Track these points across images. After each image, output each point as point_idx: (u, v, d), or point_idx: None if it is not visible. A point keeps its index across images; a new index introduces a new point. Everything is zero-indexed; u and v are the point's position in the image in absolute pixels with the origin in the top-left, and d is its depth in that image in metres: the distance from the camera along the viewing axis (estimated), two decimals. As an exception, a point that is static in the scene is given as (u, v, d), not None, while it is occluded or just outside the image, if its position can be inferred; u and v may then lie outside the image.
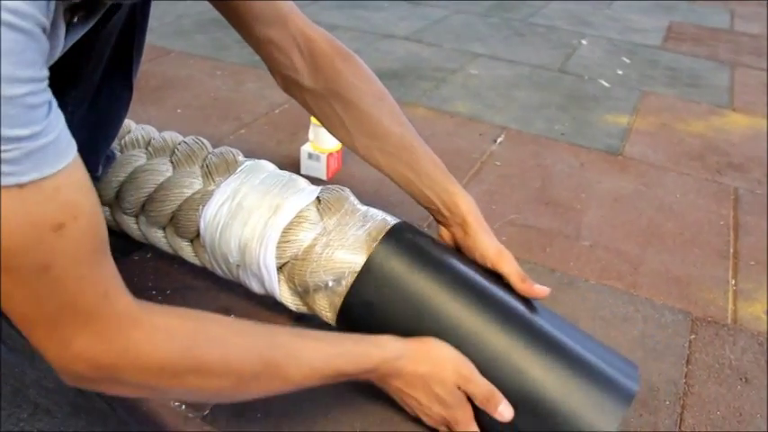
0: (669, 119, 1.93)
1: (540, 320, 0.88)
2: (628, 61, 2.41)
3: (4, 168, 0.46)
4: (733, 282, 1.23)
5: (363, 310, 0.89)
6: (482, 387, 0.80)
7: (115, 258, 1.15)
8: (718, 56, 2.55)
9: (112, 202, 1.12)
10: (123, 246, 1.16)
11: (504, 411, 0.80)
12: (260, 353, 0.67)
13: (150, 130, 1.17)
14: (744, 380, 1.02)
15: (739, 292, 1.21)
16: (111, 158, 1.08)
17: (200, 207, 1.00)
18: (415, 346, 0.80)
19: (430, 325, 0.85)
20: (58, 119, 0.52)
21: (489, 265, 0.91)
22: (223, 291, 1.10)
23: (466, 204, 0.94)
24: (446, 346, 0.81)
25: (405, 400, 0.84)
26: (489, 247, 0.92)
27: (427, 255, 0.91)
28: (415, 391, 0.81)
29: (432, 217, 1.01)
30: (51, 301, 0.53)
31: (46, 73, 0.50)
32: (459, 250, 0.97)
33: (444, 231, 0.99)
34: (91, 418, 0.68)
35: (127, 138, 1.14)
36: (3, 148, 0.45)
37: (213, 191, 1.01)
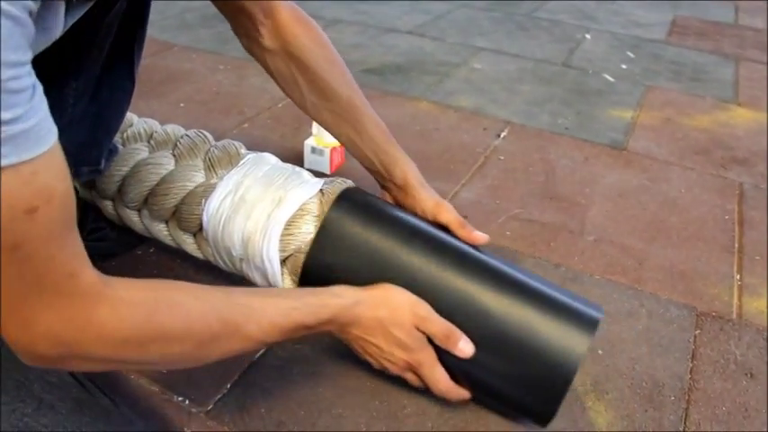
0: (673, 113, 1.92)
1: (496, 263, 0.89)
2: (632, 56, 2.40)
3: None
4: (738, 277, 1.23)
5: (324, 272, 0.89)
6: (439, 325, 0.81)
7: (118, 253, 1.15)
8: (723, 50, 2.53)
9: (115, 195, 1.11)
10: (126, 240, 1.15)
11: (464, 348, 0.81)
12: (219, 314, 0.67)
13: (152, 124, 1.16)
14: (749, 375, 1.01)
15: (744, 287, 1.20)
16: (113, 152, 1.07)
17: (203, 200, 1.00)
18: (372, 293, 0.81)
19: (389, 276, 0.85)
20: (40, 104, 0.52)
21: (430, 218, 0.94)
22: (226, 284, 1.09)
23: (405, 165, 0.98)
24: (402, 291, 0.82)
25: (366, 349, 0.83)
26: (428, 200, 0.95)
27: (378, 212, 0.92)
28: (374, 336, 0.81)
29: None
30: (17, 281, 0.53)
31: (30, 56, 0.51)
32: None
33: (387, 195, 1.03)
34: (94, 414, 0.68)
35: (129, 131, 1.14)
36: None
37: (216, 184, 1.00)
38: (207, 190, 1.00)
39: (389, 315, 0.79)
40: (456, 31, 2.55)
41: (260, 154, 1.05)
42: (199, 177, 1.03)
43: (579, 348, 0.81)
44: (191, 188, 1.02)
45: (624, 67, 2.29)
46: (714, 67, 2.34)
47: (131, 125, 1.16)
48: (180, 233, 1.05)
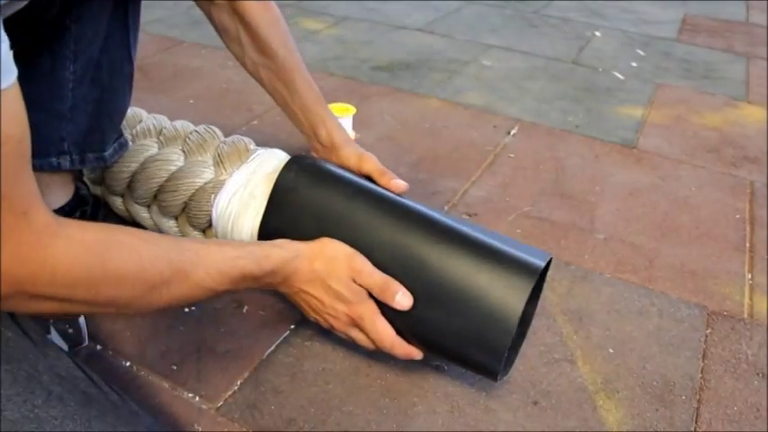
0: (684, 111, 1.91)
1: (439, 217, 0.89)
2: (642, 53, 2.39)
3: None
4: (749, 276, 1.22)
5: (277, 235, 0.90)
6: (375, 277, 0.82)
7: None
8: (734, 48, 2.52)
9: (124, 192, 1.11)
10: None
11: (401, 300, 0.82)
12: (169, 259, 0.68)
13: (162, 120, 1.16)
14: (761, 375, 1.01)
15: (756, 287, 1.19)
16: (123, 146, 1.08)
17: (212, 197, 1.00)
18: (311, 245, 0.83)
19: (333, 233, 0.87)
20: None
21: (356, 171, 0.98)
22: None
23: (330, 124, 1.03)
24: (339, 244, 0.83)
25: (309, 303, 0.84)
26: (351, 155, 1.00)
27: (323, 174, 0.95)
28: (314, 289, 0.82)
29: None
30: None
31: None
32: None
33: (315, 156, 1.06)
34: (103, 408, 0.68)
35: (138, 127, 1.14)
36: None
37: (225, 180, 1.00)
38: (216, 186, 1.01)
39: (325, 267, 0.81)
40: (465, 29, 2.54)
41: (269, 150, 1.05)
42: (208, 173, 1.03)
43: (519, 298, 0.80)
44: (200, 184, 1.02)
45: (634, 64, 2.28)
46: (725, 65, 2.33)
47: (141, 121, 1.16)
48: (189, 229, 1.05)
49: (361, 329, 0.85)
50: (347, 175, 0.96)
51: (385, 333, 0.84)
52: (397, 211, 0.89)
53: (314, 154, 1.07)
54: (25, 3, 0.61)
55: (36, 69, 0.96)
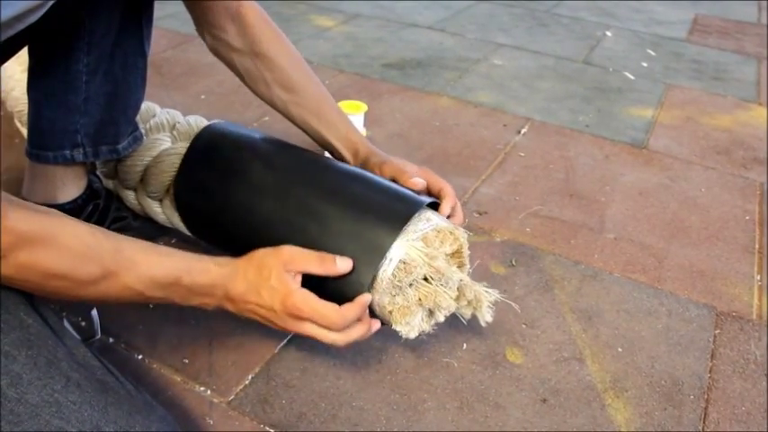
0: (694, 112, 1.91)
1: (327, 177, 0.95)
2: (653, 53, 2.39)
3: None
4: (758, 277, 1.22)
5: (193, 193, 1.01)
6: (309, 255, 0.82)
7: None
8: (745, 49, 2.52)
9: (137, 185, 1.12)
10: (149, 230, 1.16)
11: (341, 265, 0.82)
12: (102, 261, 0.70)
13: (175, 114, 1.17)
14: (769, 376, 1.01)
15: (765, 288, 1.19)
16: (138, 140, 1.08)
17: None
18: (244, 259, 0.82)
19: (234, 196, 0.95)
20: None
21: (387, 177, 0.99)
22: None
23: (364, 146, 1.05)
24: (269, 248, 0.83)
25: (258, 314, 0.82)
26: (375, 166, 1.01)
27: (226, 139, 1.03)
28: (252, 296, 0.80)
29: None
30: None
31: None
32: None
33: None
34: (118, 396, 0.69)
35: (152, 121, 1.15)
36: None
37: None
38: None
39: (257, 274, 0.80)
40: (476, 27, 2.54)
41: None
42: (221, 169, 1.04)
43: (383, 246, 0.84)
44: (214, 179, 1.03)
45: (645, 65, 2.28)
46: (736, 66, 2.32)
47: (154, 116, 1.17)
48: (202, 224, 1.06)
49: (308, 319, 0.80)
50: (250, 141, 1.02)
51: (326, 308, 0.80)
52: (287, 179, 0.94)
53: None
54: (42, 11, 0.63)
55: (50, 62, 0.98)
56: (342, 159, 1.06)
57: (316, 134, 1.08)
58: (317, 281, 0.81)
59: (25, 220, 0.64)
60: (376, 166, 1.01)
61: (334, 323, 0.80)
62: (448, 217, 0.95)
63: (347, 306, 0.81)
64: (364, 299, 0.82)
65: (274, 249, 0.82)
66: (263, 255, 0.81)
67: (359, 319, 0.83)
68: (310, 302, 0.79)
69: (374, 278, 0.84)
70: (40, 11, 0.62)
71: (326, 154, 1.16)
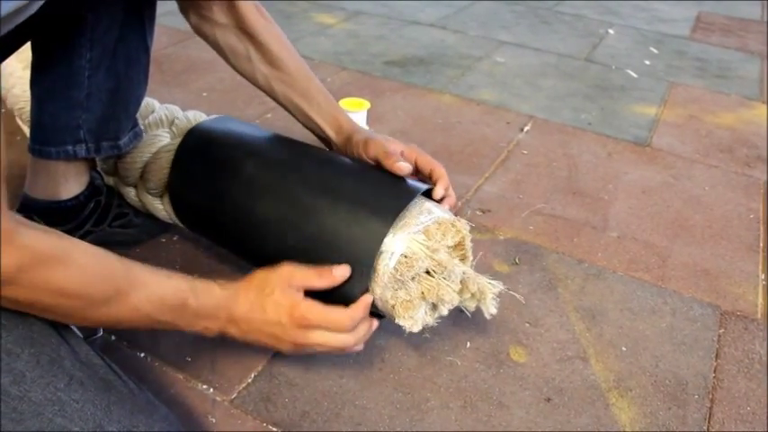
0: (697, 110, 1.91)
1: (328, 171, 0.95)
2: (655, 51, 2.39)
3: None
4: (763, 276, 1.22)
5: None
6: (307, 271, 0.82)
7: (142, 241, 1.15)
8: (748, 47, 2.51)
9: (137, 182, 1.12)
10: (151, 227, 1.16)
11: (339, 272, 0.82)
12: (114, 280, 0.70)
13: (174, 110, 1.16)
14: (774, 375, 1.01)
15: (769, 287, 1.19)
16: (138, 135, 1.08)
17: None
18: (243, 281, 0.82)
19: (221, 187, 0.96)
20: None
21: (364, 158, 0.98)
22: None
23: (345, 121, 1.05)
24: (267, 269, 0.83)
25: (265, 332, 0.81)
26: (359, 142, 0.99)
27: (217, 137, 1.03)
28: (258, 314, 0.80)
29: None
30: None
31: None
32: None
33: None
34: (121, 395, 0.69)
35: (151, 117, 1.14)
36: None
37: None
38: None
39: (258, 293, 0.80)
40: (478, 25, 2.54)
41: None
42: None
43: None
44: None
45: (648, 62, 2.27)
46: (739, 64, 2.32)
47: (153, 111, 1.16)
48: (204, 221, 1.05)
49: (316, 326, 0.81)
50: (241, 135, 1.04)
51: (334, 312, 0.81)
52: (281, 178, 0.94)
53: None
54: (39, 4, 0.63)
55: (53, 58, 0.97)
56: (325, 136, 1.07)
57: (298, 111, 1.07)
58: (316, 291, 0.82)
59: (38, 238, 0.63)
60: (360, 143, 0.99)
61: (345, 325, 0.81)
62: (441, 200, 0.95)
63: (353, 307, 0.82)
64: (367, 299, 0.83)
65: (273, 268, 0.82)
66: (262, 274, 0.82)
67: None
68: (317, 309, 0.80)
69: (375, 273, 0.84)
70: (32, 7, 0.62)
71: (321, 146, 1.16)
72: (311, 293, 0.81)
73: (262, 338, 0.82)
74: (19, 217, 0.63)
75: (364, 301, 0.83)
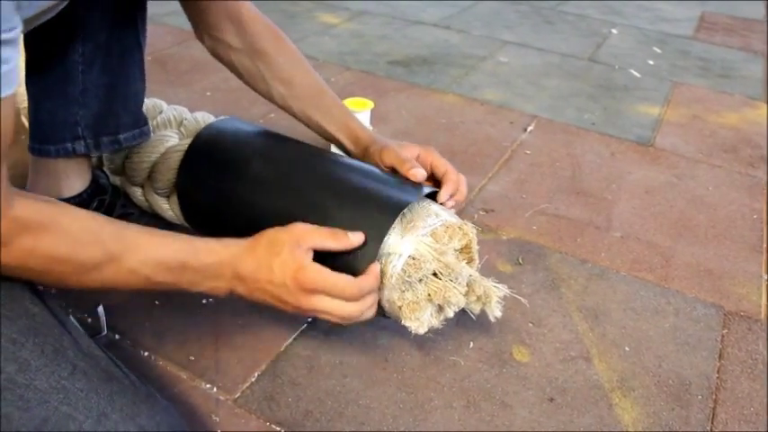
0: (701, 110, 1.91)
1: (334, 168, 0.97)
2: (659, 51, 2.38)
3: None
4: (766, 277, 1.22)
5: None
6: (322, 230, 0.82)
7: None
8: (752, 47, 2.51)
9: (144, 182, 1.12)
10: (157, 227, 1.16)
11: (354, 237, 0.83)
12: (104, 245, 0.70)
13: (182, 111, 1.17)
14: (777, 376, 1.01)
15: (773, 287, 1.19)
16: (145, 134, 1.09)
17: None
18: (251, 239, 0.81)
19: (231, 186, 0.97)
20: (17, 53, 0.58)
21: (381, 165, 1.00)
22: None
23: (361, 131, 1.06)
24: (276, 228, 0.82)
25: (271, 294, 0.80)
26: (375, 152, 1.01)
27: (228, 136, 1.05)
28: (264, 274, 0.79)
29: None
30: None
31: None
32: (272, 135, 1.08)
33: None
34: (123, 386, 0.70)
35: (159, 118, 1.15)
36: None
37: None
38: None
39: (267, 250, 0.79)
40: (481, 24, 2.54)
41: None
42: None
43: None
44: (220, 176, 1.02)
45: (651, 62, 2.27)
46: (743, 64, 2.31)
47: (161, 112, 1.16)
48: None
49: (321, 291, 0.79)
50: (249, 137, 1.05)
51: (340, 279, 0.79)
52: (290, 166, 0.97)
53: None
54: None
55: (46, 54, 0.98)
56: (343, 148, 1.08)
57: (316, 126, 1.09)
58: (325, 260, 0.80)
59: (28, 207, 0.65)
60: (376, 153, 1.01)
61: (351, 294, 0.80)
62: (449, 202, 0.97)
63: (362, 277, 0.81)
64: (377, 268, 0.82)
65: (286, 227, 0.81)
66: (274, 232, 0.81)
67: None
68: (323, 274, 0.78)
69: (383, 275, 0.84)
70: (59, 7, 0.64)
71: (333, 148, 1.17)
72: (321, 262, 0.80)
73: (267, 298, 0.81)
74: (10, 185, 0.64)
75: (373, 272, 0.82)
